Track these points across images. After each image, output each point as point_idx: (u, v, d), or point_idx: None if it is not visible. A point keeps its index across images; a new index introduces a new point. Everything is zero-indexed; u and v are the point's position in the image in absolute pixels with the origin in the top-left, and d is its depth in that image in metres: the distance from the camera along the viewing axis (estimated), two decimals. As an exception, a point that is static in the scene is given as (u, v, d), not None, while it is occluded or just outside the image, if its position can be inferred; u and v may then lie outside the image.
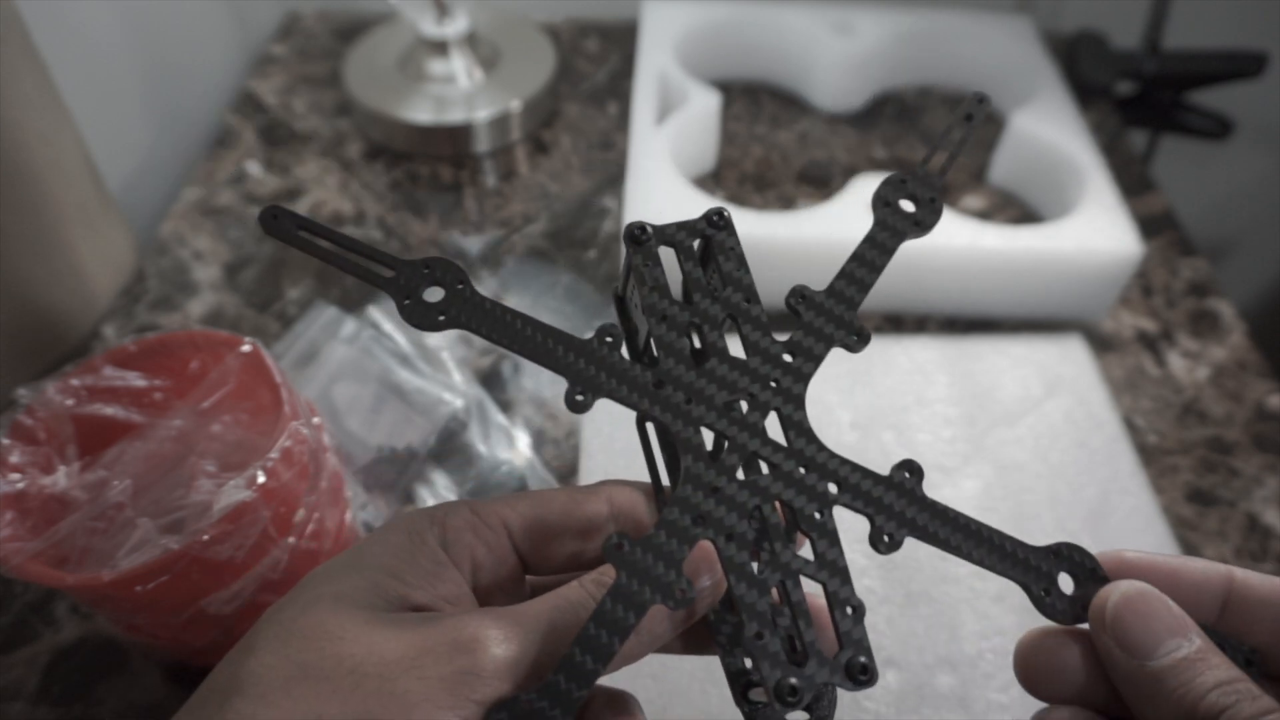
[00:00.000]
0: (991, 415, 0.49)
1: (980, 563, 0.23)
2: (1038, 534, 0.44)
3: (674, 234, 0.25)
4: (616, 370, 0.23)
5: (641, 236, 0.25)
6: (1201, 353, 0.55)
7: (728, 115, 0.67)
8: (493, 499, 0.25)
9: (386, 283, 0.23)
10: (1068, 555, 0.23)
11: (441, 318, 0.23)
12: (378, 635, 0.21)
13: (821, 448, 0.24)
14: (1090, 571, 0.23)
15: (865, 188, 0.54)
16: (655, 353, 0.24)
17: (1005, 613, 0.42)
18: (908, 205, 0.27)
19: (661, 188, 0.54)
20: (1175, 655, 0.21)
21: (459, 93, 0.65)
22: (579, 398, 0.23)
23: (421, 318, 0.23)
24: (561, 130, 0.68)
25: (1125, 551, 0.24)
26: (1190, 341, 0.55)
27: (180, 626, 0.34)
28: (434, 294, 0.23)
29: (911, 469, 0.24)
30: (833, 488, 0.23)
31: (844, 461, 0.24)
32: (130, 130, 0.64)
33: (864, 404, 0.49)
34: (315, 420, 0.37)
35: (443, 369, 0.50)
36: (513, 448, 0.48)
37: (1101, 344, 0.54)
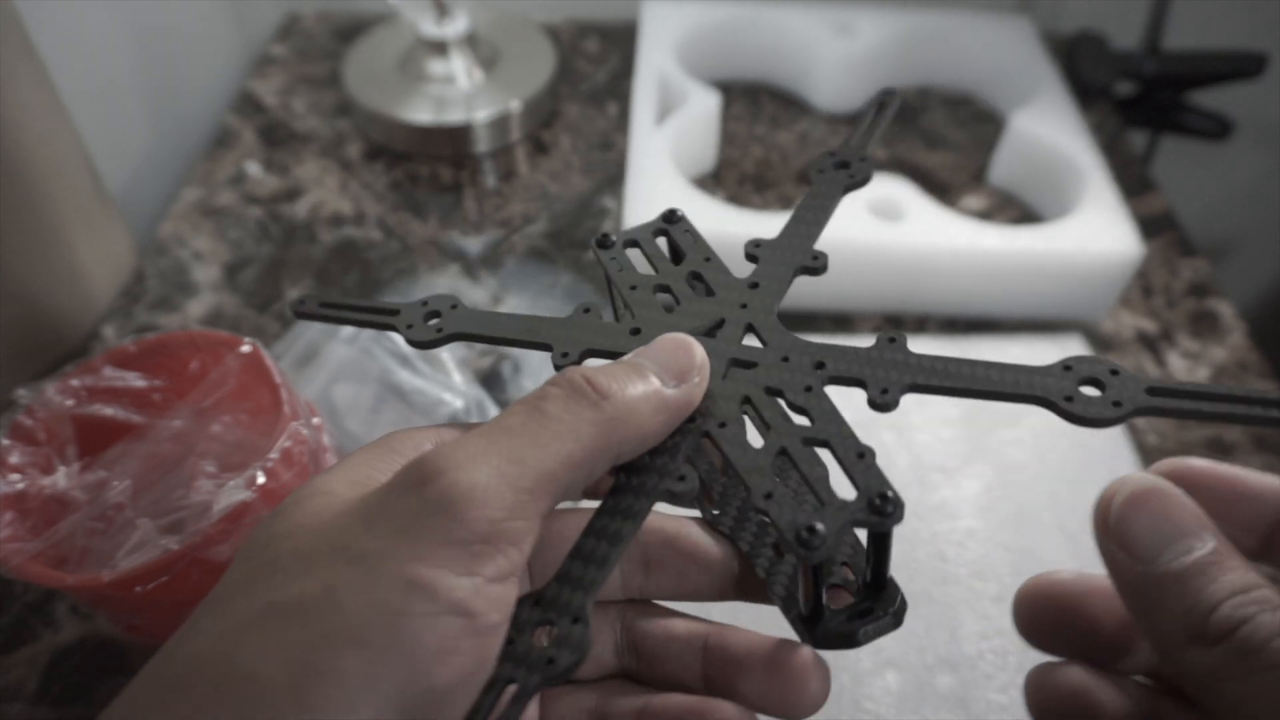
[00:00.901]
0: (991, 415, 0.49)
1: (987, 393, 0.22)
2: (1038, 534, 0.44)
3: (635, 234, 0.28)
4: (594, 328, 0.25)
5: (606, 242, 0.28)
6: (1201, 353, 0.55)
7: (728, 115, 0.67)
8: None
9: (391, 321, 0.27)
10: (1077, 367, 0.22)
11: (438, 332, 0.26)
12: (335, 513, 0.20)
13: (798, 340, 0.25)
14: (1111, 371, 0.22)
15: (865, 188, 0.54)
16: (630, 316, 0.26)
17: (1005, 613, 0.42)
18: (840, 171, 0.30)
19: (661, 188, 0.54)
20: (1186, 559, 0.18)
21: (459, 93, 0.65)
22: (564, 357, 0.25)
23: (422, 336, 0.26)
24: (561, 130, 0.68)
25: (1188, 460, 0.21)
26: (1190, 342, 0.55)
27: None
28: (434, 321, 0.27)
29: (894, 337, 0.25)
30: (818, 370, 0.24)
31: (822, 345, 0.25)
32: (130, 130, 0.64)
33: (864, 404, 0.49)
34: (315, 420, 0.37)
35: (443, 369, 0.50)
36: (513, 448, 0.48)
37: (1101, 344, 0.54)
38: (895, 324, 0.55)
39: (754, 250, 0.27)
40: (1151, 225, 0.61)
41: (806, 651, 0.23)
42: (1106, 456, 0.48)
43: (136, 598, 0.32)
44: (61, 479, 0.36)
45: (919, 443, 0.48)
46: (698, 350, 0.23)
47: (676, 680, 0.24)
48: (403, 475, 0.20)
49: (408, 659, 0.17)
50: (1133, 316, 0.56)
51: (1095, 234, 0.53)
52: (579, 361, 0.25)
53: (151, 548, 0.32)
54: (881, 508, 0.20)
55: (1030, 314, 0.55)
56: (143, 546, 0.33)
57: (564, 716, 0.24)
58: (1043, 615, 0.23)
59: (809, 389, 0.24)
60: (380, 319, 0.27)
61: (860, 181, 0.29)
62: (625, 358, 0.23)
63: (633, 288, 0.27)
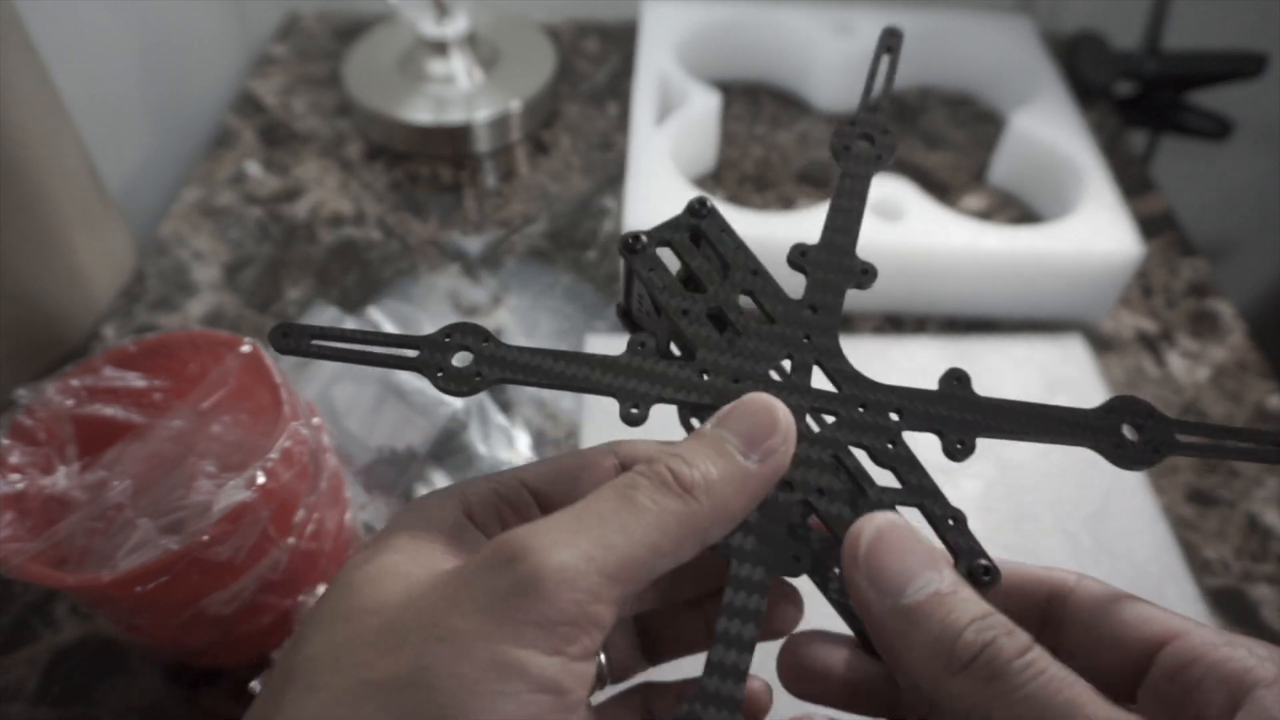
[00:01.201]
0: (991, 415, 0.49)
1: (1046, 439, 0.24)
2: (1037, 534, 0.44)
3: (667, 234, 0.26)
4: (660, 375, 0.24)
5: (636, 245, 0.25)
6: (1201, 353, 0.55)
7: (728, 115, 0.67)
8: (504, 470, 0.25)
9: (414, 363, 0.23)
10: (1121, 407, 0.24)
11: (477, 378, 0.23)
12: (417, 591, 0.20)
13: (871, 384, 0.25)
14: (1148, 412, 0.24)
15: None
16: (687, 347, 0.25)
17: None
18: (864, 145, 0.28)
19: (661, 188, 0.54)
20: (927, 590, 0.20)
21: (459, 93, 0.65)
22: (634, 411, 0.23)
23: (459, 385, 0.23)
24: (561, 130, 0.68)
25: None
26: (1190, 342, 0.55)
27: (180, 626, 0.34)
28: (463, 358, 0.23)
29: (959, 376, 0.25)
30: (894, 416, 0.24)
31: (895, 389, 0.24)
32: (130, 130, 0.64)
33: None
34: (315, 421, 0.37)
35: (443, 369, 0.50)
36: (513, 448, 0.48)
37: (1102, 344, 0.54)
38: (895, 324, 0.55)
39: (799, 260, 0.26)
40: (1151, 225, 0.61)
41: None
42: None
43: (136, 598, 0.32)
44: (61, 479, 0.36)
45: (919, 443, 0.48)
46: (782, 415, 0.22)
47: (689, 641, 0.26)
48: (488, 555, 0.20)
49: None
50: (1133, 316, 0.56)
51: (1095, 234, 0.53)
52: (648, 414, 0.23)
53: (151, 548, 0.32)
54: (980, 577, 0.22)
55: (1030, 314, 0.55)
56: (143, 546, 0.33)
57: None
58: (795, 673, 0.24)
59: (892, 444, 0.24)
60: (394, 356, 0.23)
61: (885, 163, 0.28)
62: (706, 428, 0.22)
63: (684, 312, 0.25)
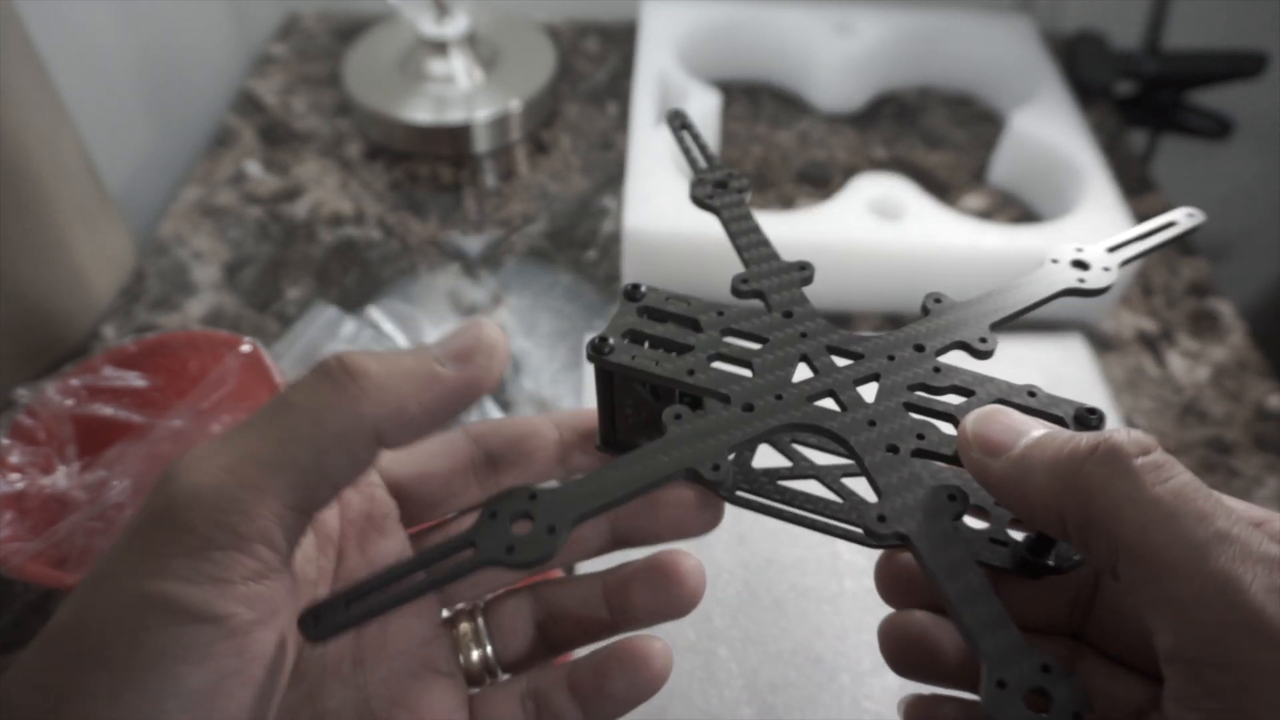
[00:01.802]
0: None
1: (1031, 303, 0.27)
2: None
3: (625, 323, 0.26)
4: (716, 427, 0.23)
5: (605, 347, 0.25)
6: (1201, 353, 0.55)
7: (728, 115, 0.67)
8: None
9: (480, 560, 0.20)
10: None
11: (551, 534, 0.20)
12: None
13: (880, 337, 0.25)
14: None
15: (865, 187, 0.54)
16: (716, 397, 0.24)
17: (1005, 613, 0.42)
18: (721, 190, 0.29)
19: (661, 188, 0.54)
20: (1035, 435, 0.21)
21: (459, 93, 0.65)
22: (715, 470, 0.22)
23: (539, 550, 0.20)
24: (561, 130, 0.68)
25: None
26: (1190, 341, 0.55)
27: (180, 626, 0.34)
28: (522, 525, 0.20)
29: (937, 297, 0.26)
30: (917, 349, 0.25)
31: (900, 332, 0.26)
32: (130, 130, 0.64)
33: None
34: (315, 420, 0.37)
35: (443, 369, 0.50)
36: (513, 448, 0.48)
37: (1102, 344, 0.54)
38: (895, 323, 0.55)
39: (743, 287, 0.27)
40: (1151, 225, 0.61)
41: (680, 554, 0.25)
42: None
43: (136, 597, 0.32)
44: (61, 479, 0.36)
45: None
46: (488, 331, 0.22)
47: (590, 623, 0.26)
48: (150, 490, 0.19)
49: (153, 671, 0.18)
50: (1133, 316, 0.56)
51: (1095, 234, 0.53)
52: (729, 468, 0.23)
53: (151, 547, 0.32)
54: (1087, 417, 0.24)
55: (1031, 314, 0.55)
56: (143, 546, 0.33)
57: (499, 711, 0.24)
58: (901, 648, 0.24)
59: (937, 369, 0.25)
60: (449, 567, 0.19)
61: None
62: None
63: (691, 372, 0.24)
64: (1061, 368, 0.52)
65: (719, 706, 0.38)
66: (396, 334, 0.51)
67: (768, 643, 0.40)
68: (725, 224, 0.28)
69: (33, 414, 0.36)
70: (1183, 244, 0.61)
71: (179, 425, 0.38)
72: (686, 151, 0.30)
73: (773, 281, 0.27)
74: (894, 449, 0.23)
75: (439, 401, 0.21)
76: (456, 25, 0.65)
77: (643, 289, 0.26)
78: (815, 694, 0.39)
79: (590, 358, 0.25)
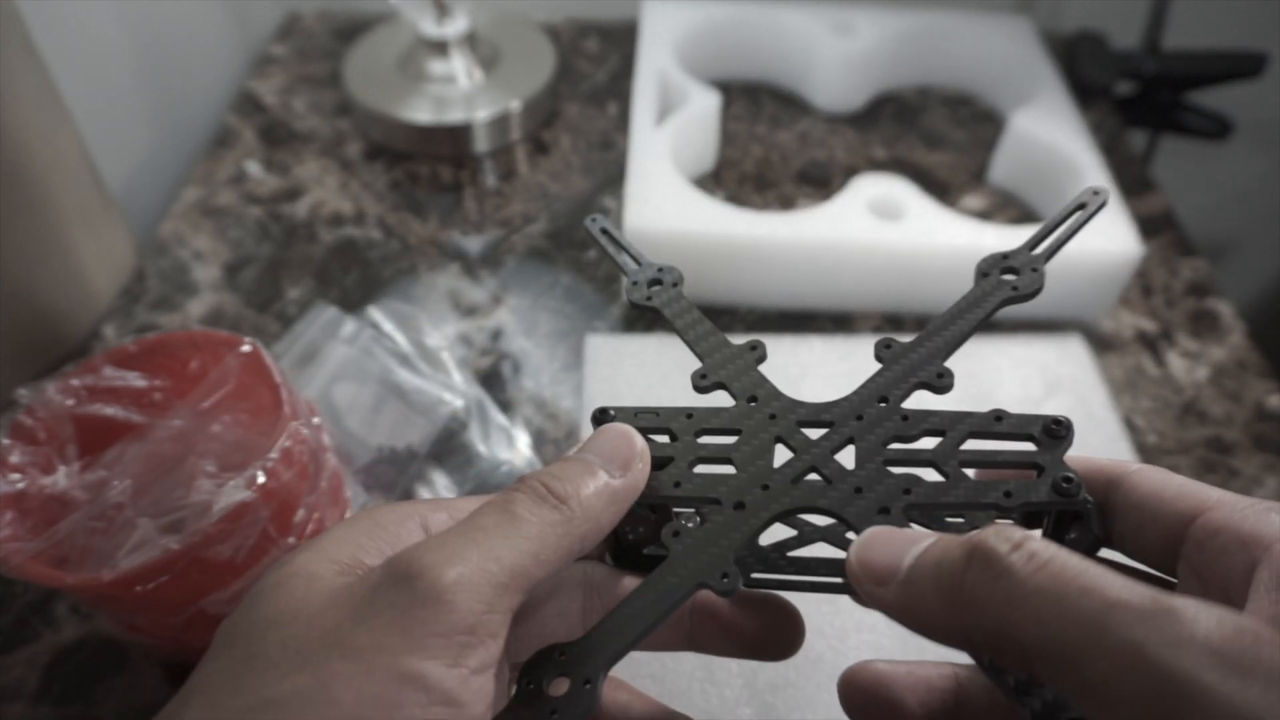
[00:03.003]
0: (991, 415, 0.49)
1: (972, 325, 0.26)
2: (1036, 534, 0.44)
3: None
4: (718, 533, 0.24)
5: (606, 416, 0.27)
6: (1201, 353, 0.55)
7: (728, 115, 0.67)
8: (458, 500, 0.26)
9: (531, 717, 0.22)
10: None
11: (587, 686, 0.22)
12: (319, 603, 0.20)
13: (844, 400, 0.26)
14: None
15: (865, 187, 0.54)
16: (710, 501, 0.25)
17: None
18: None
19: (661, 188, 0.54)
20: (917, 552, 0.21)
21: (459, 93, 0.65)
22: (725, 580, 0.23)
23: (582, 705, 0.22)
24: (561, 130, 0.68)
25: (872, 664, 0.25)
26: (1190, 341, 0.55)
27: (180, 626, 0.34)
28: (558, 684, 0.22)
29: (887, 344, 0.26)
30: (883, 403, 0.25)
31: (862, 389, 0.26)
32: (130, 130, 0.64)
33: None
34: (315, 420, 0.37)
35: (443, 369, 0.50)
36: (513, 448, 0.48)
37: (1101, 344, 0.54)
38: (895, 323, 0.55)
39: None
40: (1151, 225, 0.61)
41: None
42: (1106, 455, 0.47)
43: (136, 597, 0.32)
44: (61, 479, 0.36)
45: (918, 442, 0.48)
46: (638, 437, 0.25)
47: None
48: (387, 570, 0.20)
49: None
50: (1132, 316, 0.56)
51: (1095, 234, 0.53)
52: (737, 578, 0.23)
53: (151, 547, 0.32)
54: (1062, 485, 0.23)
55: (1030, 314, 0.55)
56: (143, 546, 0.33)
57: None
58: (858, 700, 0.25)
59: (906, 418, 0.25)
60: None
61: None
62: (572, 452, 0.25)
63: (677, 484, 0.25)
64: (1060, 368, 0.52)
65: (719, 706, 0.38)
66: (396, 334, 0.51)
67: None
68: (670, 320, 0.28)
69: (33, 414, 0.36)
70: (1183, 244, 0.61)
71: (179, 425, 0.38)
72: (612, 256, 0.30)
73: (730, 370, 0.27)
74: (885, 510, 0.23)
75: (618, 512, 0.24)
76: (456, 25, 0.65)
77: (611, 411, 0.27)
78: (815, 694, 0.39)
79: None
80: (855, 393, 0.26)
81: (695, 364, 0.27)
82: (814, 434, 0.25)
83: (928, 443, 0.24)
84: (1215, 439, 0.50)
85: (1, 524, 0.33)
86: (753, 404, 0.26)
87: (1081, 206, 0.27)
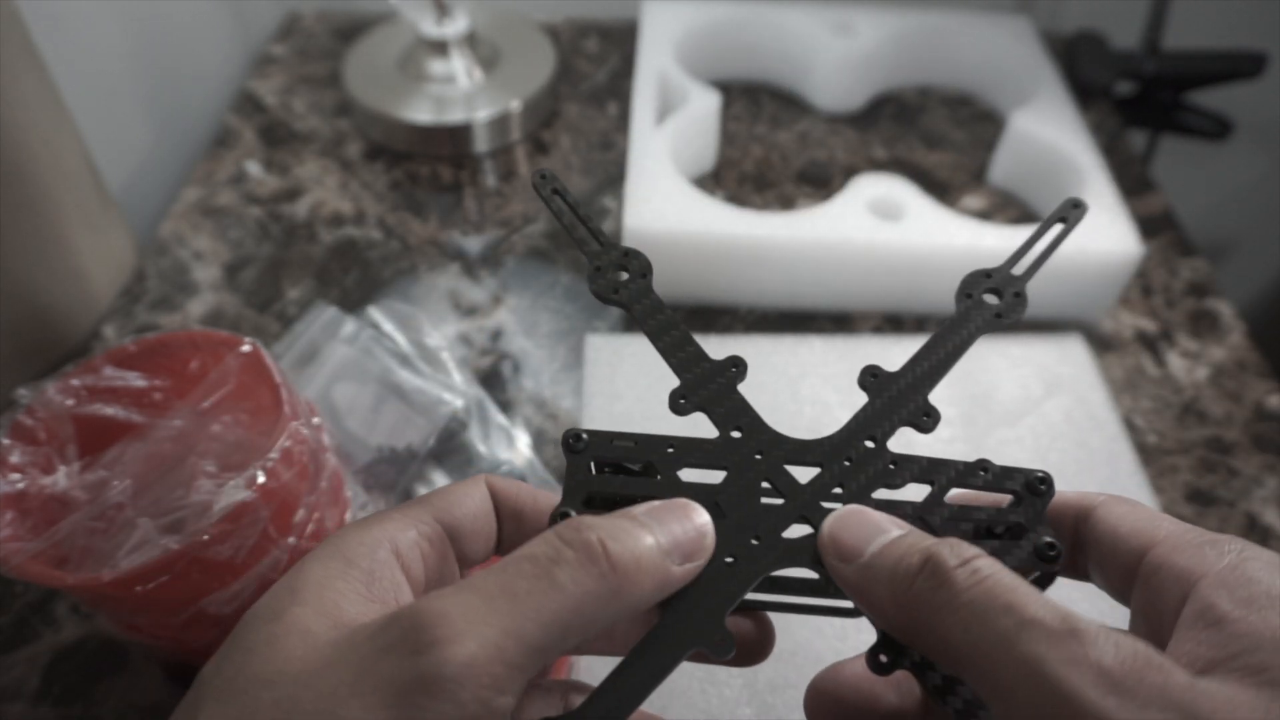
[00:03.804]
0: (991, 416, 0.49)
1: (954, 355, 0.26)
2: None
3: (577, 482, 0.25)
4: (713, 587, 0.23)
5: (578, 445, 0.25)
6: (1201, 353, 0.55)
7: (728, 115, 0.67)
8: (422, 505, 0.24)
9: None
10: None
11: None
12: (315, 663, 0.19)
13: (832, 440, 0.25)
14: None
15: (865, 188, 0.54)
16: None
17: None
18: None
19: (661, 188, 0.54)
20: (882, 541, 0.22)
21: (459, 93, 0.65)
22: (722, 645, 0.22)
23: None
24: (561, 130, 0.68)
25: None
26: (1190, 341, 0.55)
27: (180, 626, 0.34)
28: None
29: (874, 372, 0.26)
30: (870, 444, 0.25)
31: (850, 430, 0.25)
32: (130, 130, 0.64)
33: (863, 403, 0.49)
34: (315, 420, 0.37)
35: (443, 369, 0.50)
36: (513, 448, 0.48)
37: (1101, 344, 0.54)
38: (895, 324, 0.55)
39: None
40: (1151, 225, 0.61)
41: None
42: (1107, 455, 0.48)
43: (137, 597, 0.32)
44: (62, 479, 0.36)
45: (918, 442, 0.48)
46: (709, 533, 0.23)
47: None
48: (393, 631, 0.19)
49: None
50: (1132, 316, 0.56)
51: (1095, 234, 0.53)
52: (730, 638, 0.23)
53: (151, 547, 0.32)
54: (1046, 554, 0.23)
55: (1030, 314, 0.54)
56: (143, 546, 0.33)
57: None
58: (827, 709, 0.24)
59: (894, 464, 0.25)
60: None
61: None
62: (639, 514, 0.22)
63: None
64: (1060, 368, 0.52)
65: (719, 706, 0.38)
66: (396, 334, 0.51)
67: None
68: (640, 321, 0.26)
69: (33, 414, 0.36)
70: (1183, 244, 0.61)
71: (179, 425, 0.38)
72: (567, 229, 0.27)
73: (710, 391, 0.26)
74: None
75: (659, 598, 0.22)
76: (456, 25, 0.65)
77: (583, 437, 0.25)
78: (815, 694, 0.39)
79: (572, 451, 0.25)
80: (842, 430, 0.25)
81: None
82: (802, 476, 0.25)
83: (917, 492, 0.24)
84: (1215, 439, 0.50)
85: (1, 524, 0.33)
86: (737, 435, 0.25)
87: (1062, 220, 0.27)
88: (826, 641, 0.40)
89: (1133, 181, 0.64)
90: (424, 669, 0.18)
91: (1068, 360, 0.52)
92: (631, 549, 0.21)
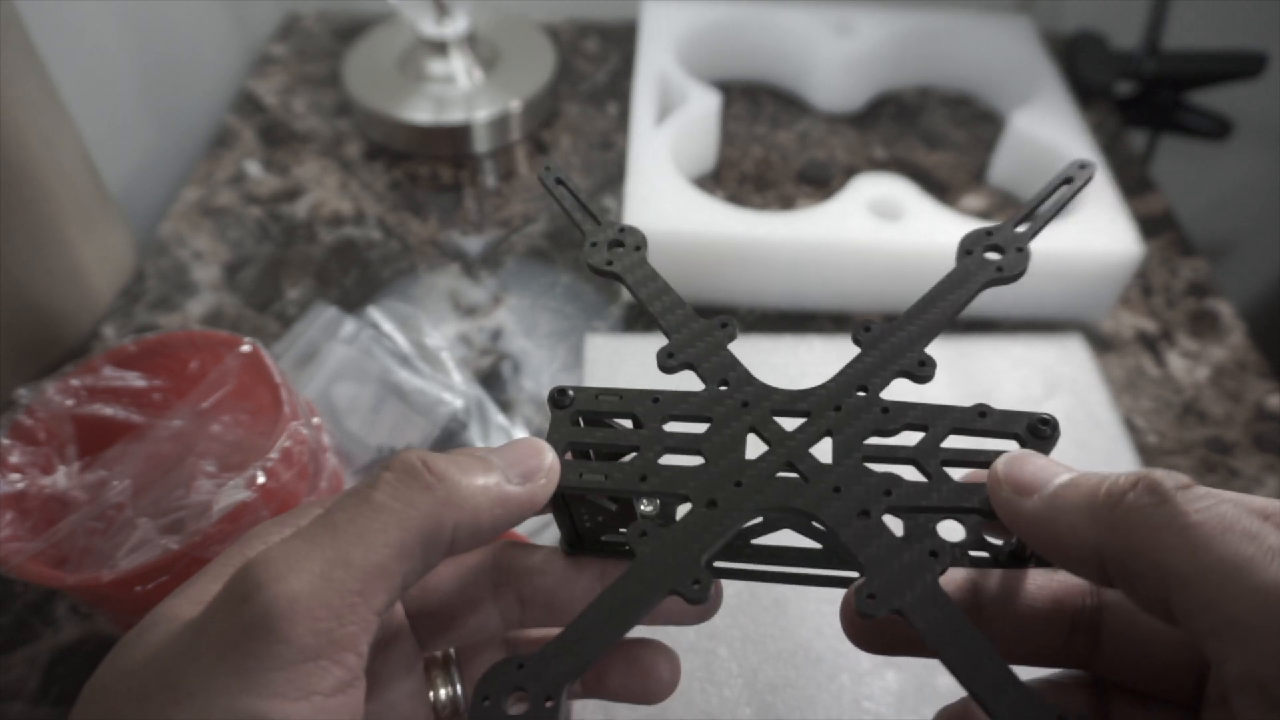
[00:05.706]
0: (991, 415, 0.49)
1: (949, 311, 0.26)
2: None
3: (561, 436, 0.24)
4: (689, 534, 0.22)
5: (564, 400, 0.25)
6: (1201, 353, 0.55)
7: (728, 115, 0.67)
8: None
9: None
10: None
11: (549, 703, 0.20)
12: (163, 643, 0.19)
13: (822, 389, 0.24)
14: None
15: (865, 188, 0.54)
16: (679, 498, 0.23)
17: (1005, 613, 0.42)
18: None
19: (661, 188, 0.54)
20: (1068, 476, 0.21)
21: (459, 93, 0.65)
22: (696, 588, 0.21)
23: None
24: (561, 130, 0.68)
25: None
26: (1190, 342, 0.55)
27: (180, 626, 0.34)
28: (518, 699, 0.20)
29: (866, 326, 0.25)
30: (862, 393, 0.24)
31: (839, 376, 0.24)
32: (130, 130, 0.64)
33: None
34: (315, 420, 0.37)
35: (443, 369, 0.50)
36: (513, 448, 0.48)
37: (1101, 344, 0.54)
38: (895, 324, 0.55)
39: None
40: (1151, 225, 0.61)
41: (660, 654, 0.25)
42: (1106, 455, 0.48)
43: (136, 597, 0.32)
44: (61, 479, 0.36)
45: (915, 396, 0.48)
46: (548, 454, 0.23)
47: None
48: (225, 591, 0.18)
49: None
50: (1132, 316, 0.56)
51: (1095, 234, 0.53)
52: (709, 583, 0.22)
53: (151, 547, 0.32)
54: (1040, 428, 0.23)
55: (1030, 314, 0.55)
56: (143, 546, 0.33)
57: None
58: (864, 627, 0.24)
59: (886, 410, 0.24)
60: None
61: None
62: (472, 450, 0.22)
63: (644, 478, 0.23)
64: (1060, 368, 0.52)
65: (719, 706, 0.38)
66: (396, 334, 0.51)
67: (767, 643, 0.40)
68: (633, 290, 0.26)
69: (33, 414, 0.36)
70: (1183, 244, 0.61)
71: (179, 425, 0.38)
72: (569, 212, 0.27)
73: (699, 348, 0.25)
74: (865, 513, 0.22)
75: (504, 518, 0.21)
76: (456, 25, 0.65)
77: (570, 393, 0.25)
78: (815, 694, 0.39)
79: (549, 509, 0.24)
80: (833, 380, 0.24)
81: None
82: (789, 423, 0.24)
83: (908, 436, 0.23)
84: (1215, 439, 0.50)
85: (1, 524, 0.33)
86: (724, 389, 0.24)
87: (1068, 180, 0.26)
88: (827, 641, 0.40)
89: (1133, 181, 0.64)
90: (250, 617, 0.17)
91: (1068, 360, 0.52)
92: (456, 460, 0.21)
